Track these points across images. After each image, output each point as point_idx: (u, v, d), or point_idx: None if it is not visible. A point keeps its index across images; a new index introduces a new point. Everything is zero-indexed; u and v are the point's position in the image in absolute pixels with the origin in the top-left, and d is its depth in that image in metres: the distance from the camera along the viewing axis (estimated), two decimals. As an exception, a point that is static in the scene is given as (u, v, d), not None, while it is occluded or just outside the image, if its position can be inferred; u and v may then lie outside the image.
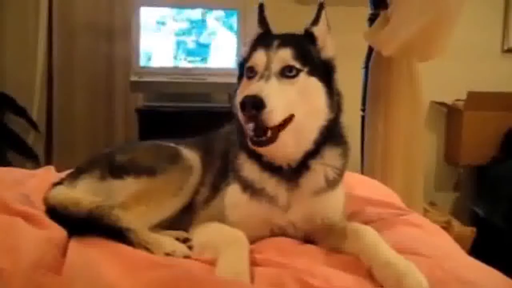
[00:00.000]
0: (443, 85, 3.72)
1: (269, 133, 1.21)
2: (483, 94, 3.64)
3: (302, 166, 1.33)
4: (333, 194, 1.38)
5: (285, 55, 1.28)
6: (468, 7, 2.58)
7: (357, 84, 2.92)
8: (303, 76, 1.29)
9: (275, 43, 1.30)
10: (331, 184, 1.37)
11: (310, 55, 1.34)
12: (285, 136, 1.25)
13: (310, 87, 1.30)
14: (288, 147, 1.29)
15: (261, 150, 1.28)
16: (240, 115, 1.20)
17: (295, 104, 1.25)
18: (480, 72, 3.81)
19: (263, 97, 1.17)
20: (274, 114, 1.18)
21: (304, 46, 1.34)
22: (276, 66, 1.27)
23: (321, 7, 1.39)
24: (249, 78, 1.30)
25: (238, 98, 1.27)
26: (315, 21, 1.39)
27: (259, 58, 1.29)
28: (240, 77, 1.40)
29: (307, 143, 1.31)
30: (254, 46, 1.36)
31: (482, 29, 3.82)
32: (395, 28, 2.57)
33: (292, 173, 1.33)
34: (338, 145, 1.38)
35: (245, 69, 1.33)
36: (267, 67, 1.27)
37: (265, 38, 1.37)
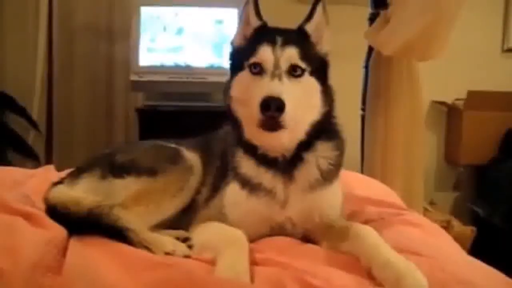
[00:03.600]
0: (443, 85, 3.73)
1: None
2: (483, 93, 3.64)
3: (296, 158, 1.36)
4: (329, 190, 1.39)
5: (292, 54, 1.30)
6: (468, 6, 2.57)
7: (357, 83, 2.92)
8: (306, 75, 1.32)
9: (279, 40, 1.32)
10: (326, 176, 1.38)
11: (311, 53, 1.36)
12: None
13: (310, 86, 1.33)
14: (283, 141, 1.31)
15: (267, 137, 1.29)
16: (258, 114, 1.22)
17: (297, 102, 1.27)
18: (480, 72, 3.80)
19: (284, 100, 1.20)
20: (289, 115, 1.22)
21: (305, 44, 1.36)
22: (284, 65, 1.29)
23: (315, 3, 1.41)
24: (255, 74, 1.31)
25: (234, 91, 1.35)
26: (308, 18, 1.41)
27: (267, 56, 1.30)
28: (233, 69, 1.40)
29: (301, 135, 1.34)
30: (256, 40, 1.36)
31: (482, 29, 3.82)
32: (395, 28, 2.57)
33: (287, 166, 1.35)
34: (331, 139, 1.41)
35: (248, 64, 1.32)
36: (276, 65, 1.28)
37: (265, 33, 1.38)
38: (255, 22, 1.42)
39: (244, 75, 1.34)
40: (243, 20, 1.43)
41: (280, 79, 1.26)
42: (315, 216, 1.38)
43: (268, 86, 1.24)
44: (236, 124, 1.38)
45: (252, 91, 1.27)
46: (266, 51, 1.31)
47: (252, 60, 1.32)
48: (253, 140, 1.34)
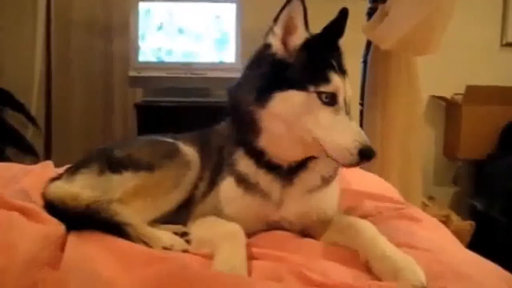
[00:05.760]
0: (442, 79, 3.73)
1: None
2: (482, 88, 3.64)
3: (300, 165, 1.35)
4: (326, 191, 1.39)
5: (350, 88, 1.30)
6: (467, 1, 2.57)
7: (355, 78, 2.92)
8: None
9: (338, 67, 1.28)
10: (326, 181, 1.38)
11: None
12: None
13: None
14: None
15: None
16: (350, 157, 1.23)
17: None
18: (479, 66, 3.81)
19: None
20: None
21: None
22: (348, 100, 1.29)
23: (345, 15, 1.37)
24: (326, 103, 1.24)
25: (280, 107, 1.24)
26: (342, 31, 1.37)
27: (340, 87, 1.26)
28: (277, 81, 1.26)
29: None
30: (313, 60, 1.27)
31: (481, 23, 3.82)
32: (393, 22, 2.57)
33: (289, 172, 1.34)
34: None
35: (318, 91, 1.23)
36: (345, 100, 1.27)
37: (318, 51, 1.29)
38: (303, 33, 1.29)
39: (307, 98, 1.24)
40: (284, 24, 1.29)
41: (350, 118, 1.27)
42: (312, 215, 1.38)
43: (360, 132, 1.25)
44: (248, 129, 1.31)
45: (324, 123, 1.23)
46: (339, 81, 1.26)
47: (325, 88, 1.23)
48: (276, 154, 1.32)
